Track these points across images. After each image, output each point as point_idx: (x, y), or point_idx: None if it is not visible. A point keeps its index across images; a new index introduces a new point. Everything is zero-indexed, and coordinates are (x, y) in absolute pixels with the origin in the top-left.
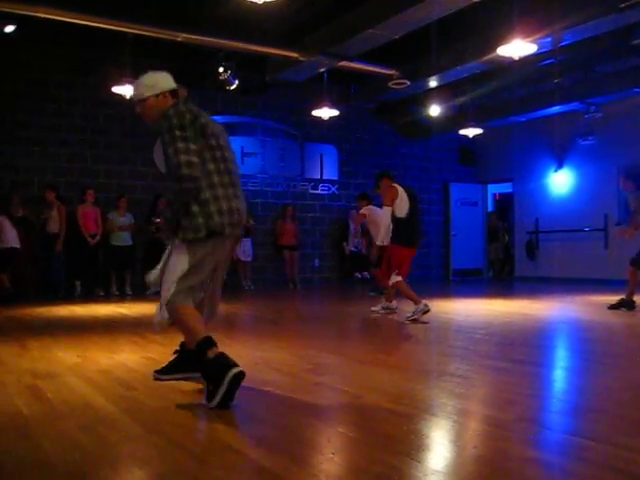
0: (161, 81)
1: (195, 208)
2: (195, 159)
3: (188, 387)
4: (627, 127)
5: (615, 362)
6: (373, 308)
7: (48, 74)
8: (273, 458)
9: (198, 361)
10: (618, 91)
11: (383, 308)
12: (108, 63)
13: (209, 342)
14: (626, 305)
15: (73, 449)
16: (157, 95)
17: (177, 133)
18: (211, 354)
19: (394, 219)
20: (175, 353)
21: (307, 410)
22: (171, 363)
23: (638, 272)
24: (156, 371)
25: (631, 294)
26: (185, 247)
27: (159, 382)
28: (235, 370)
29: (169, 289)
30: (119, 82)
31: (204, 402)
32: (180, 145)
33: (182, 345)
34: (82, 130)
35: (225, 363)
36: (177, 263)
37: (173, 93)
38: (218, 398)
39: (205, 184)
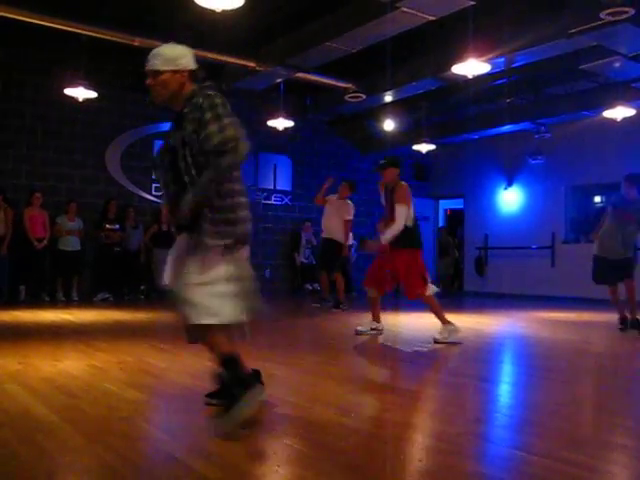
0: (183, 57)
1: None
2: (244, 133)
3: (131, 396)
4: (575, 148)
5: (559, 377)
6: (359, 328)
7: None
8: (217, 470)
9: (228, 372)
10: (567, 113)
11: (372, 329)
12: (61, 65)
13: (238, 359)
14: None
15: (10, 460)
16: (175, 72)
17: (220, 110)
18: (242, 371)
19: (412, 223)
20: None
21: (253, 421)
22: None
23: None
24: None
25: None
26: (220, 251)
27: (102, 391)
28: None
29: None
30: (72, 84)
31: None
32: (227, 121)
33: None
34: (32, 132)
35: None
36: (212, 271)
37: (192, 74)
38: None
39: (232, 189)
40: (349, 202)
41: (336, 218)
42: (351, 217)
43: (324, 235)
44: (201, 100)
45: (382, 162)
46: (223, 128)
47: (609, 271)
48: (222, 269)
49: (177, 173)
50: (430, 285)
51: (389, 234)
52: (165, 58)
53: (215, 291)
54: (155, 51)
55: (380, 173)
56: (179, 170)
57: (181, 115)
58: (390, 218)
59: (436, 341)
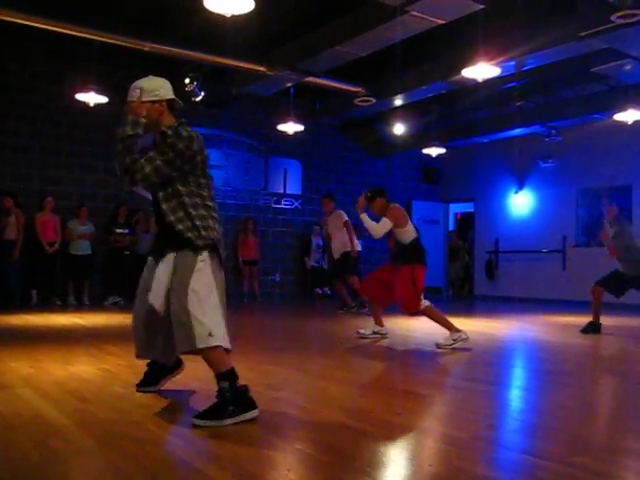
0: (161, 88)
1: (198, 222)
2: (152, 175)
3: (142, 400)
4: (586, 151)
5: (570, 381)
6: (361, 331)
7: (10, 78)
8: (227, 474)
9: (226, 383)
10: (578, 116)
11: (374, 332)
12: (73, 70)
13: (235, 373)
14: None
15: (23, 463)
16: (154, 102)
17: (171, 154)
18: (238, 384)
19: (409, 240)
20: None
21: (264, 425)
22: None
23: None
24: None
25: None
26: (207, 260)
27: (114, 395)
28: (256, 412)
29: (204, 321)
30: (83, 89)
31: (198, 420)
32: (157, 163)
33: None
34: (44, 136)
35: (252, 400)
36: (205, 285)
37: (170, 103)
38: (229, 422)
39: (204, 204)
40: (339, 211)
41: (337, 232)
42: (346, 218)
43: (337, 255)
44: (170, 133)
45: (369, 195)
46: (149, 161)
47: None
48: (211, 278)
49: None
50: (424, 300)
51: (366, 222)
52: (145, 90)
53: (210, 303)
54: (135, 84)
55: (370, 206)
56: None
57: (154, 141)
58: (392, 244)
59: (439, 346)
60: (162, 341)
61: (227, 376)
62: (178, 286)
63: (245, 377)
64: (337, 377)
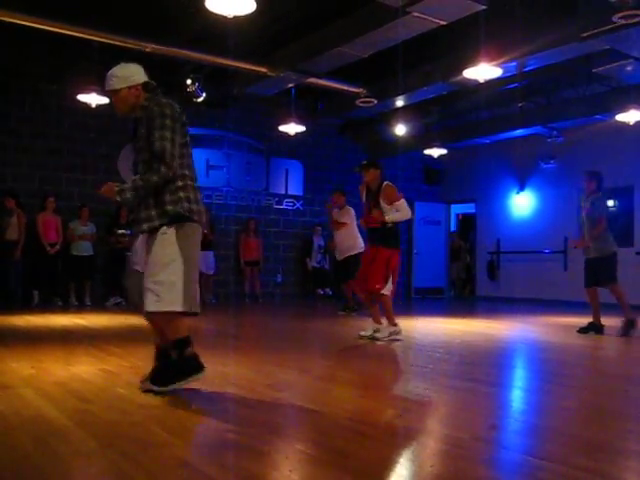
0: (134, 73)
1: (167, 197)
2: (176, 154)
3: (144, 401)
4: (587, 152)
5: (571, 383)
6: (362, 333)
7: (11, 78)
8: (229, 475)
9: (175, 352)
10: (579, 117)
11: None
12: (74, 71)
13: (188, 341)
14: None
15: (24, 462)
16: (130, 87)
17: (168, 122)
18: (188, 352)
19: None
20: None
21: (265, 426)
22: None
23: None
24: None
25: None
26: (169, 235)
27: (115, 395)
28: (202, 374)
29: (164, 293)
30: (85, 90)
31: (145, 384)
32: (168, 134)
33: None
34: (45, 137)
35: (198, 365)
36: (165, 257)
37: (145, 86)
38: (171, 388)
39: (179, 174)
40: (349, 208)
41: (344, 232)
42: (348, 221)
43: (341, 257)
44: (153, 107)
45: (363, 163)
46: (163, 138)
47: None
48: (174, 250)
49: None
50: (387, 286)
51: (395, 218)
52: (119, 77)
53: (171, 274)
54: (110, 73)
55: (362, 174)
56: (137, 170)
57: (136, 120)
58: (369, 215)
59: (376, 339)
60: None
61: (179, 345)
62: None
63: (247, 377)
64: (338, 378)
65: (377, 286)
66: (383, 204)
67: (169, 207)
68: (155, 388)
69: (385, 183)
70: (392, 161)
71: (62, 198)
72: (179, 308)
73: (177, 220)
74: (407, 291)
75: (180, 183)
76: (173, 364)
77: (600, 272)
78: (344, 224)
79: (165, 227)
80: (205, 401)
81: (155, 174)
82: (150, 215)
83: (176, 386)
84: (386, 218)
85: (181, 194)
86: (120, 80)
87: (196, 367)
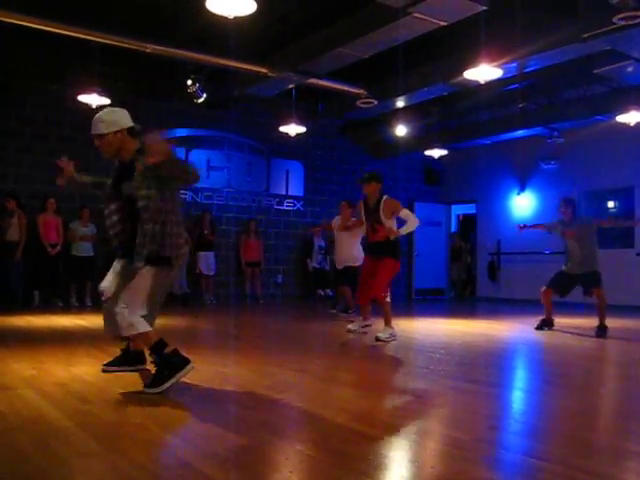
0: (120, 119)
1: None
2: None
3: (145, 402)
4: (588, 153)
5: (571, 383)
6: (351, 327)
7: (12, 79)
8: (230, 475)
9: (154, 356)
10: (580, 117)
11: (363, 327)
12: (75, 71)
13: (163, 343)
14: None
15: (24, 464)
16: (115, 132)
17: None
18: (168, 350)
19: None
20: (121, 350)
21: (265, 427)
22: (117, 358)
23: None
24: (105, 364)
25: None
26: (150, 272)
27: (116, 396)
28: (191, 365)
29: (131, 312)
30: (86, 91)
31: (148, 389)
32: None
33: (125, 347)
34: (46, 138)
35: (183, 359)
36: (141, 287)
37: (130, 130)
38: (170, 382)
39: (168, 219)
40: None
41: (348, 242)
42: (357, 233)
43: (340, 266)
44: (141, 163)
45: (365, 176)
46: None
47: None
48: (147, 284)
49: (133, 212)
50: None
51: (408, 229)
52: (106, 122)
53: (138, 302)
54: (97, 117)
55: (363, 186)
56: (135, 210)
57: (131, 168)
58: (373, 229)
59: (378, 339)
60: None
61: (154, 348)
62: (122, 285)
63: (247, 378)
64: (339, 379)
65: (382, 294)
66: (384, 218)
67: (159, 250)
68: (148, 390)
69: (385, 198)
70: (392, 162)
71: (63, 199)
72: (148, 328)
73: (162, 262)
74: (408, 292)
75: (170, 230)
76: (160, 366)
77: (590, 283)
78: (357, 222)
79: (149, 266)
80: (205, 402)
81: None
82: (151, 250)
83: (168, 384)
84: (401, 231)
85: (168, 240)
86: (107, 125)
87: (181, 362)
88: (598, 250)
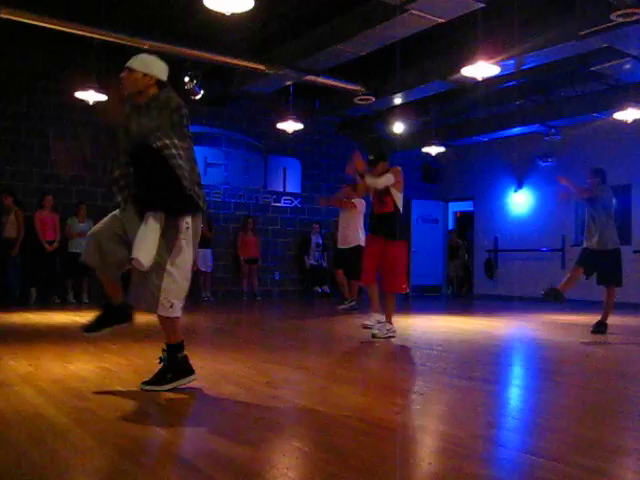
0: (157, 67)
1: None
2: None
3: (142, 398)
4: (585, 150)
5: (569, 380)
6: (367, 322)
7: (9, 76)
8: (227, 473)
9: (171, 356)
10: (577, 115)
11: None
12: (72, 68)
13: (182, 345)
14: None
15: (21, 460)
16: (145, 74)
17: (175, 118)
18: (181, 354)
19: (401, 209)
20: (102, 307)
21: (262, 424)
22: (98, 318)
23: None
24: (85, 329)
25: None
26: (176, 227)
27: (113, 393)
28: (194, 377)
29: (170, 287)
30: (83, 87)
31: (146, 386)
32: (176, 141)
33: (107, 302)
34: (43, 135)
35: (190, 367)
36: (176, 249)
37: (159, 83)
38: (171, 386)
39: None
40: (361, 201)
41: (352, 223)
42: (358, 209)
43: (343, 245)
44: (162, 96)
45: (371, 158)
46: (169, 137)
47: None
48: (187, 252)
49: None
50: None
51: (381, 182)
52: (142, 62)
53: (183, 276)
54: (139, 55)
55: (372, 170)
56: (152, 151)
57: (145, 105)
58: (381, 200)
59: (374, 336)
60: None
61: (173, 348)
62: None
63: (244, 375)
64: (336, 375)
65: (403, 286)
66: (392, 188)
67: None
68: (147, 387)
69: (394, 167)
70: (390, 159)
71: (60, 196)
72: (179, 313)
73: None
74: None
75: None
76: (167, 366)
77: (609, 274)
78: (353, 205)
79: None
80: (203, 399)
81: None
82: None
83: (168, 387)
84: (368, 180)
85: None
86: (142, 64)
87: (187, 370)
88: (614, 226)
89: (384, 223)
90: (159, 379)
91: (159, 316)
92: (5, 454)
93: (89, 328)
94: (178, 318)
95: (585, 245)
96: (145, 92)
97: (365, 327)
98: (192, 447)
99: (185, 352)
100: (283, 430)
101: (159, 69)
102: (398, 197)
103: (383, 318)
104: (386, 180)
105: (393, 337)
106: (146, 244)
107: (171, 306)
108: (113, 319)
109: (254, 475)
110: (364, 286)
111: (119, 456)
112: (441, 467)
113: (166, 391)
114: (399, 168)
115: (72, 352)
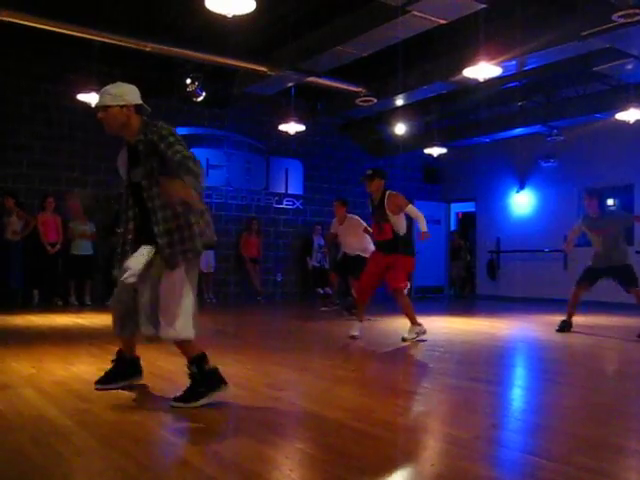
0: (128, 93)
1: (194, 220)
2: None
3: (145, 401)
4: (587, 150)
5: (571, 381)
6: (354, 333)
7: (11, 78)
8: (230, 474)
9: (197, 369)
10: (579, 115)
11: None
12: (74, 70)
13: (205, 356)
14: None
15: (24, 462)
16: (122, 106)
17: (171, 139)
18: (208, 366)
19: (404, 230)
20: (113, 362)
21: (265, 426)
22: (111, 372)
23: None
24: (97, 382)
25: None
26: (183, 268)
27: (115, 395)
28: (227, 387)
29: (180, 323)
30: (85, 90)
31: (175, 403)
32: (178, 147)
33: (119, 353)
34: (44, 137)
35: (221, 377)
36: (180, 290)
37: (138, 108)
38: (205, 401)
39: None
40: (354, 217)
41: (352, 234)
42: (365, 225)
43: (348, 251)
44: (152, 137)
45: (369, 173)
46: (184, 148)
47: None
48: (188, 282)
49: (141, 202)
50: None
51: (423, 224)
52: (113, 94)
53: (188, 303)
54: (104, 89)
55: (366, 184)
56: (143, 199)
57: (136, 152)
58: (379, 227)
59: (404, 339)
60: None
61: (196, 360)
62: (169, 285)
63: (247, 376)
64: (338, 377)
65: (402, 284)
66: (390, 214)
67: (197, 241)
68: (179, 404)
69: (388, 193)
70: (392, 160)
71: (62, 198)
72: (192, 335)
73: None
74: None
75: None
76: (198, 381)
77: (626, 280)
78: (334, 235)
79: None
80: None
81: (192, 174)
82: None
83: (202, 402)
84: (421, 226)
85: (202, 222)
86: (114, 98)
87: (219, 381)
88: (625, 243)
89: (388, 244)
90: (193, 394)
91: (175, 343)
92: (8, 456)
93: (100, 381)
94: (193, 343)
95: (591, 264)
96: (128, 123)
97: (353, 338)
98: (196, 449)
99: (212, 364)
100: (286, 432)
101: (131, 95)
102: (398, 222)
103: (362, 325)
104: (421, 220)
105: (424, 335)
106: (137, 259)
107: (183, 330)
108: (124, 374)
109: (257, 477)
110: (357, 298)
111: (122, 458)
112: (444, 468)
113: (200, 407)
114: (396, 193)
115: (75, 354)
